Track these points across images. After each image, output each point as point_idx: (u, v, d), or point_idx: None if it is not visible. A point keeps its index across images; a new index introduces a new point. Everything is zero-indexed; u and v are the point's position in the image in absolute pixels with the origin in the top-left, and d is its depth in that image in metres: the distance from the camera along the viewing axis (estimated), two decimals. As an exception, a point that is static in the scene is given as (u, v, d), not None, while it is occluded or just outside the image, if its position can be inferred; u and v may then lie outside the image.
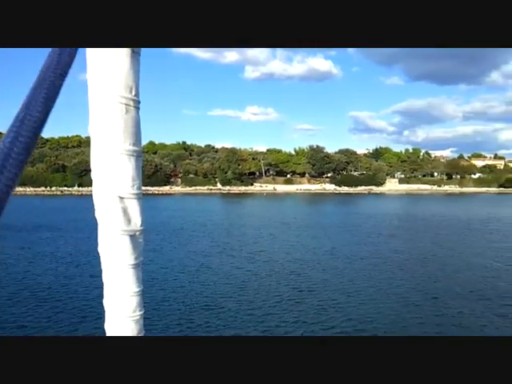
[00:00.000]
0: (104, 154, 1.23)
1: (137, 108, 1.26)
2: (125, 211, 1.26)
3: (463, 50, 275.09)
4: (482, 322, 15.12)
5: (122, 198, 1.25)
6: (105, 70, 1.17)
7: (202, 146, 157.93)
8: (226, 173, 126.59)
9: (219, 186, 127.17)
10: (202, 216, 52.12)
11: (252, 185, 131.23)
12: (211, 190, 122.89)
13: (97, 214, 1.28)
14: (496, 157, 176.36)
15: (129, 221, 1.28)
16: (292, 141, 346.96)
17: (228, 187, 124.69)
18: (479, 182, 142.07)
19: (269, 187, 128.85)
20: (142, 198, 1.32)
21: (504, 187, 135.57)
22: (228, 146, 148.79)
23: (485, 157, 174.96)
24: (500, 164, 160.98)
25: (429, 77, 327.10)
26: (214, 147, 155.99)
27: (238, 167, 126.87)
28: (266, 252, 28.21)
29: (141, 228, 1.32)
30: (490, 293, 18.80)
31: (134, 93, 1.23)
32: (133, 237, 1.30)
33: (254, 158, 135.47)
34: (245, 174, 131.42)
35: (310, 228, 41.45)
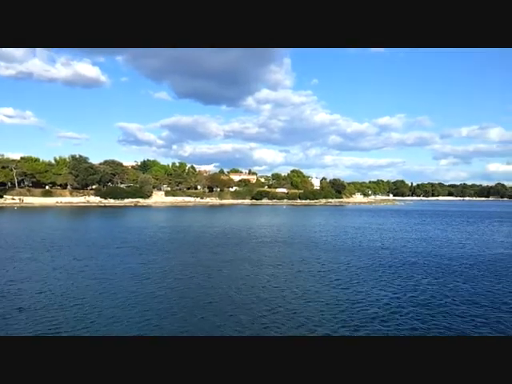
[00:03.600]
0: None
1: None
2: None
3: (224, 73, 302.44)
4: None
5: None
6: None
7: None
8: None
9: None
10: None
11: (2, 197, 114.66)
12: None
13: None
14: (250, 172, 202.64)
15: None
16: (55, 149, 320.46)
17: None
18: (236, 195, 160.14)
19: (26, 200, 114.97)
20: None
21: (256, 199, 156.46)
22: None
23: (241, 172, 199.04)
24: (253, 179, 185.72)
25: (194, 95, 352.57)
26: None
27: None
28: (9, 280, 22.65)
29: None
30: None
31: None
32: None
33: (4, 167, 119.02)
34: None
35: (69, 246, 36.45)
